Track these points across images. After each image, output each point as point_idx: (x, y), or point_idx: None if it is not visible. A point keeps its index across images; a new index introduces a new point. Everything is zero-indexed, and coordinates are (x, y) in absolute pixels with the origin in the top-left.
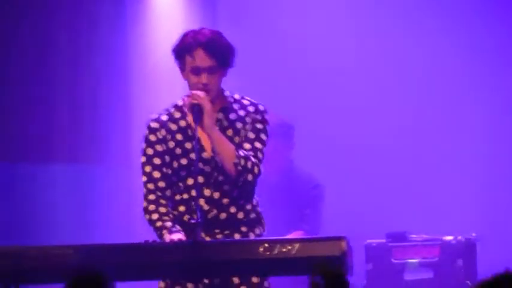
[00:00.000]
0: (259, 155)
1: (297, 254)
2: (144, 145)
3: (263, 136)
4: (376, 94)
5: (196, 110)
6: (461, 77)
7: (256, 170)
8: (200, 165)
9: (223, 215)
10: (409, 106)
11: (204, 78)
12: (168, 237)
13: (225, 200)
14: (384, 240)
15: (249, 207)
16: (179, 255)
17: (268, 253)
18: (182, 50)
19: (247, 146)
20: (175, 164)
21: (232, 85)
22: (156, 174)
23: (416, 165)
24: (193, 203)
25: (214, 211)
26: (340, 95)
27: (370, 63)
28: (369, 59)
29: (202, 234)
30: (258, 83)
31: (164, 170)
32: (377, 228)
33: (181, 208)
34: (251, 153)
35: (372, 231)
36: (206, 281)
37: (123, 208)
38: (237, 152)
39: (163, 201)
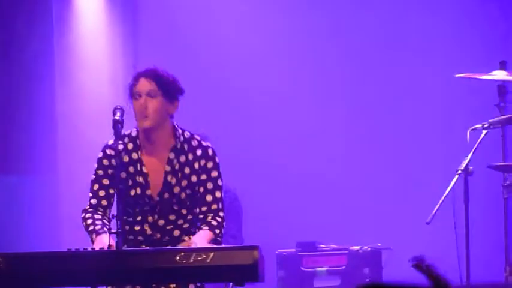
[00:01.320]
0: (221, 204)
1: (212, 262)
2: (96, 166)
3: (219, 182)
4: (287, 105)
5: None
6: (386, 90)
7: (223, 222)
8: (146, 199)
9: (166, 238)
10: (319, 120)
11: (142, 101)
12: (94, 238)
13: (169, 227)
14: (294, 250)
15: (193, 230)
16: (101, 263)
17: (184, 261)
18: (131, 87)
19: (209, 197)
20: (131, 192)
21: None
22: (101, 193)
23: (325, 178)
24: (111, 214)
25: (158, 235)
26: (251, 105)
27: (281, 73)
28: (281, 69)
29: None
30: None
31: (110, 191)
32: (288, 238)
33: (127, 227)
34: (214, 205)
35: (283, 241)
36: None
37: (49, 217)
38: (214, 233)
39: (100, 213)
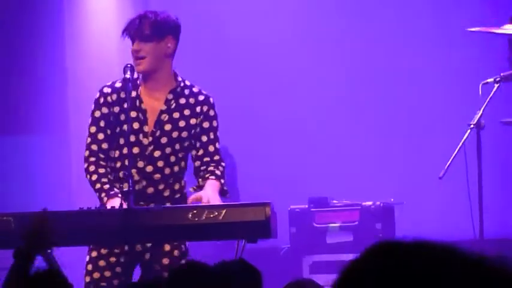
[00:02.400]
0: (221, 155)
1: (224, 219)
2: (93, 107)
3: (218, 133)
4: (295, 64)
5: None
6: (381, 50)
7: (224, 171)
8: (140, 136)
9: (150, 190)
10: (330, 74)
11: (136, 45)
12: (106, 201)
13: (157, 176)
14: (306, 206)
15: (176, 187)
16: (113, 221)
17: (196, 219)
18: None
19: (211, 148)
20: (117, 129)
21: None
22: (100, 136)
23: (338, 133)
24: (122, 172)
25: (143, 183)
26: (259, 67)
27: (289, 40)
28: (286, 35)
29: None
30: (187, 65)
31: (108, 132)
32: (300, 194)
33: (113, 175)
34: (216, 156)
35: (295, 197)
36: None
37: (60, 177)
38: (220, 183)
39: (103, 163)
